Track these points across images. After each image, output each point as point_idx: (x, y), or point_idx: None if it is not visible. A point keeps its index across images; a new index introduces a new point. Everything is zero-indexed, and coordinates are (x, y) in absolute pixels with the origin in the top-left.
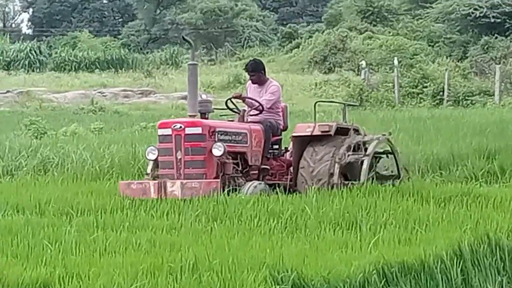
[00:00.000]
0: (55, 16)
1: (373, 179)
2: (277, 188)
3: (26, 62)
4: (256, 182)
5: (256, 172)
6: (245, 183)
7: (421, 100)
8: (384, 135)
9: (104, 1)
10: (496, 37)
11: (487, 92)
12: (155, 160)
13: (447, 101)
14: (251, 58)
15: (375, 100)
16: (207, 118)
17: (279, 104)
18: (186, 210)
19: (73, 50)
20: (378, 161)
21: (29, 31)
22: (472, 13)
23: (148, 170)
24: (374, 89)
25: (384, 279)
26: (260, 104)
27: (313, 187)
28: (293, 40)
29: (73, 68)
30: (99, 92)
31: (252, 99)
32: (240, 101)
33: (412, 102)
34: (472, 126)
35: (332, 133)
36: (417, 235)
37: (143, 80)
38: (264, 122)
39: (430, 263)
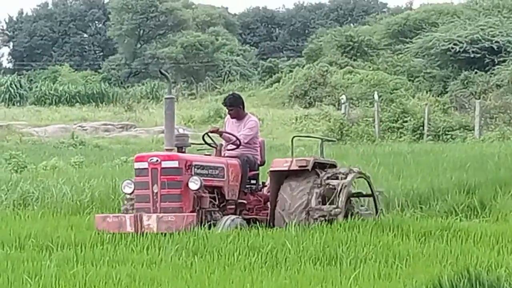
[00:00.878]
0: (36, 50)
1: (351, 214)
2: (258, 223)
3: (7, 96)
4: (232, 217)
5: (233, 206)
6: (221, 217)
7: (401, 135)
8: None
9: (85, 35)
10: (476, 72)
11: (467, 127)
12: (132, 194)
13: (427, 135)
14: (230, 92)
15: (355, 135)
16: (184, 152)
17: (256, 139)
18: (166, 245)
19: (53, 84)
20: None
21: (10, 65)
22: (452, 48)
23: (124, 204)
24: (354, 124)
25: None
26: (238, 139)
27: (292, 222)
28: (273, 75)
29: (54, 102)
30: (80, 126)
31: (230, 133)
32: (218, 135)
33: (392, 137)
34: (452, 160)
35: (309, 168)
36: (397, 270)
37: (123, 114)
38: (241, 157)
39: None
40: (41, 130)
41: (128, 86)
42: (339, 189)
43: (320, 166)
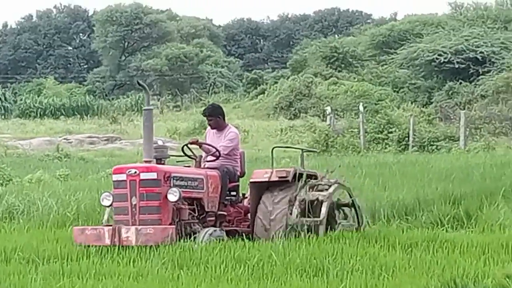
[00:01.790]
0: (20, 63)
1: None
2: (238, 235)
3: None
4: (212, 229)
5: (213, 218)
6: (201, 229)
7: (387, 146)
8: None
9: (69, 48)
10: (461, 83)
11: (452, 138)
12: (110, 206)
13: (412, 146)
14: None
15: (340, 146)
16: (163, 164)
17: (237, 150)
18: (152, 257)
19: (38, 96)
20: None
21: None
22: (437, 59)
23: (105, 217)
24: (339, 135)
25: None
26: (217, 150)
27: (277, 233)
28: (258, 86)
29: (38, 115)
30: (65, 139)
31: (209, 145)
32: (198, 146)
33: (377, 148)
34: (438, 171)
35: (289, 178)
36: (384, 282)
37: (108, 126)
38: (221, 168)
39: None
40: (26, 143)
41: (113, 99)
42: (320, 200)
43: (301, 177)
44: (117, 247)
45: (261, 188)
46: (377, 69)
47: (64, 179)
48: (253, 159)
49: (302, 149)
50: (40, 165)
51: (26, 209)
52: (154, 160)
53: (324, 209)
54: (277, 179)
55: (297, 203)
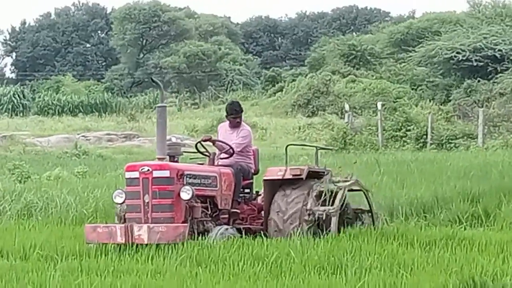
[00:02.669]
0: (39, 60)
1: (346, 223)
2: (251, 232)
3: (10, 106)
4: (224, 227)
5: (226, 216)
6: (214, 227)
7: (405, 143)
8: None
9: (88, 45)
10: (479, 81)
11: (470, 135)
12: (123, 203)
13: (431, 144)
14: (229, 101)
15: (358, 144)
16: (176, 161)
17: (250, 148)
18: (171, 254)
19: (56, 94)
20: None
21: (13, 75)
22: (455, 56)
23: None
24: (357, 133)
25: None
26: (231, 147)
27: (291, 232)
28: (276, 84)
29: (57, 112)
30: (83, 136)
31: (223, 142)
32: (211, 144)
33: (395, 145)
34: (456, 169)
35: (303, 176)
36: (402, 279)
37: (126, 123)
38: (235, 166)
39: None
40: (44, 140)
41: (131, 96)
42: (335, 191)
43: (316, 175)
44: (135, 244)
45: (275, 186)
46: (395, 67)
47: (82, 177)
48: (271, 156)
49: (316, 147)
50: (58, 162)
51: (45, 206)
52: (168, 157)
53: (337, 200)
54: (291, 177)
55: (311, 200)
